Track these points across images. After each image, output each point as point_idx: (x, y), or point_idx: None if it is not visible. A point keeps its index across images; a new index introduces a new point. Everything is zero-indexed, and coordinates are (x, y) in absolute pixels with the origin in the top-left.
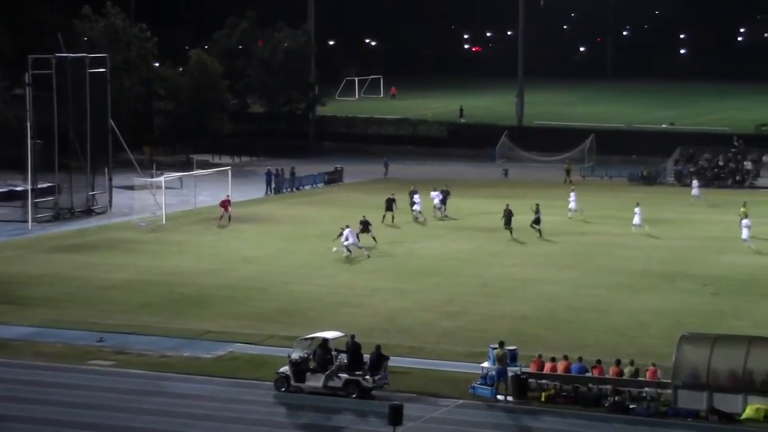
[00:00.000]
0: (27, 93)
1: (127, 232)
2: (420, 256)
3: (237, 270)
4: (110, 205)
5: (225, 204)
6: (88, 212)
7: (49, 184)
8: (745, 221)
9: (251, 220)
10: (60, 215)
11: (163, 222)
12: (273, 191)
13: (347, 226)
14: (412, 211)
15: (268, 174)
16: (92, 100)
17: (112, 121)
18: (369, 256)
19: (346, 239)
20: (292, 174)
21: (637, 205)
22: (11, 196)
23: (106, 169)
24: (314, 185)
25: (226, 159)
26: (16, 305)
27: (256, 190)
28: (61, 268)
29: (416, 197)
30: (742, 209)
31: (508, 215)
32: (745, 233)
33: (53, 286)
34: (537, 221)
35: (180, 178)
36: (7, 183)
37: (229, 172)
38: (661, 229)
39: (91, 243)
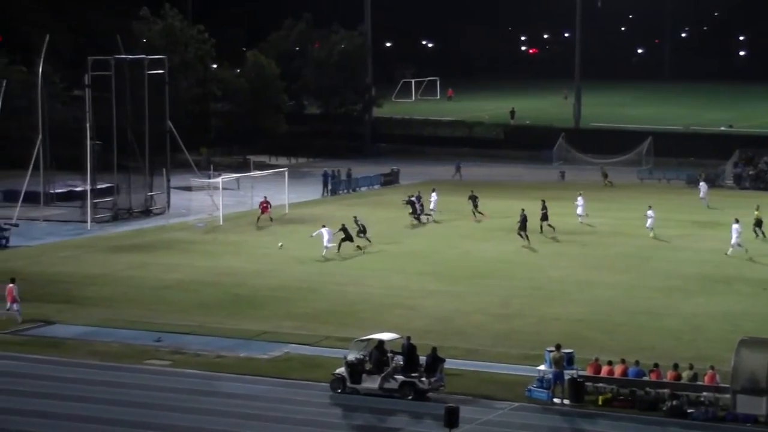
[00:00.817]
0: (86, 94)
1: (184, 232)
2: (473, 258)
3: (290, 271)
4: (168, 206)
5: (263, 206)
6: (146, 213)
7: (108, 185)
8: (735, 226)
9: (307, 221)
10: (118, 215)
11: (220, 223)
12: (329, 192)
13: (323, 226)
14: (421, 215)
15: (325, 175)
16: (150, 102)
17: (170, 122)
18: (325, 258)
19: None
20: (349, 175)
21: (650, 207)
22: (70, 197)
23: (164, 170)
24: (370, 187)
25: (282, 160)
26: (72, 304)
27: (312, 191)
28: (118, 268)
29: (433, 195)
30: (756, 213)
31: (523, 221)
32: (734, 238)
33: (110, 285)
34: (544, 217)
35: (237, 179)
36: (66, 183)
37: (286, 173)
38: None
39: (148, 243)
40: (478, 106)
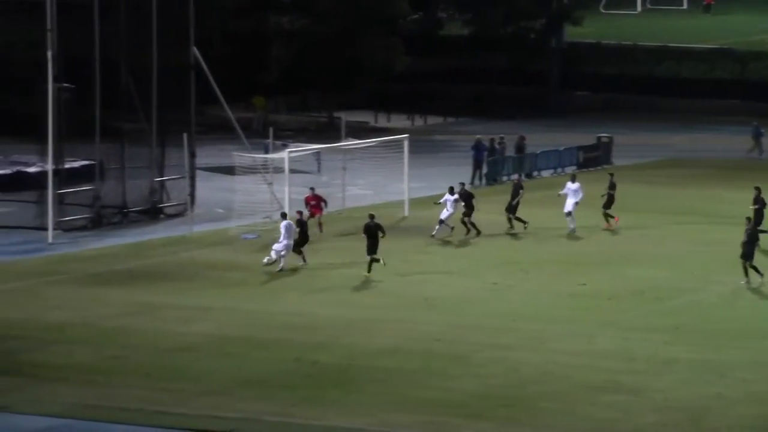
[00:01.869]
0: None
1: (221, 249)
2: (749, 305)
3: (413, 321)
4: (192, 202)
5: (312, 204)
6: (153, 213)
7: (85, 163)
8: None
9: (442, 231)
10: (103, 218)
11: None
12: (485, 178)
13: (283, 216)
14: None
15: (477, 149)
16: (161, 14)
17: (196, 51)
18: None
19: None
20: (520, 148)
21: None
22: (20, 184)
23: (184, 138)
24: (559, 169)
25: (398, 120)
26: (24, 378)
27: (453, 175)
28: (104, 313)
29: (448, 199)
30: None
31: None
32: None
33: (89, 344)
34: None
35: (316, 155)
36: (11, 160)
37: (405, 144)
38: None
39: (156, 269)
40: (752, 24)
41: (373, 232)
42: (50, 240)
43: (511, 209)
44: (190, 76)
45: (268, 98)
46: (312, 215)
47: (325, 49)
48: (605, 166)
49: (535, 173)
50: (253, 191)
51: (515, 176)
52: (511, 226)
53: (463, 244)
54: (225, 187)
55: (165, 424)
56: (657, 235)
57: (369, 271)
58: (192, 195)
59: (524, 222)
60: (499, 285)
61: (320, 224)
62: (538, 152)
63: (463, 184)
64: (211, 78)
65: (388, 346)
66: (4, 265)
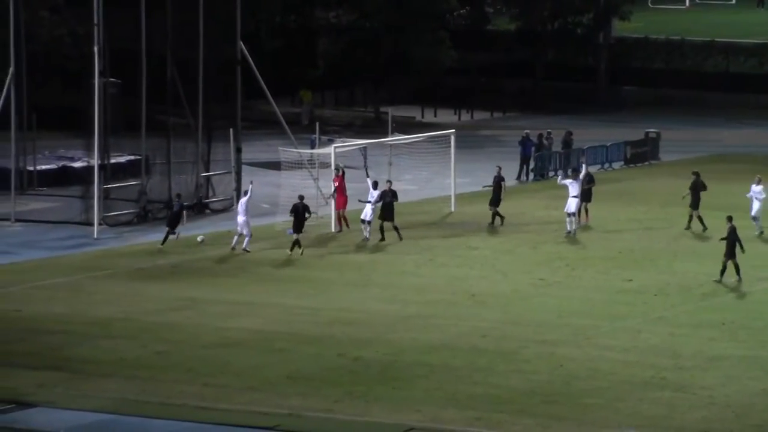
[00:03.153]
0: None
1: (265, 245)
2: None
3: (459, 317)
4: (237, 197)
5: (337, 186)
6: (199, 208)
7: (130, 158)
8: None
9: (489, 227)
10: (148, 214)
11: (332, 229)
12: (532, 174)
13: (246, 193)
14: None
15: (525, 144)
16: (207, 10)
17: (242, 45)
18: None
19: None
20: (567, 144)
21: (759, 181)
22: (65, 179)
23: (230, 133)
24: (606, 165)
25: (444, 116)
26: (67, 373)
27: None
28: (148, 308)
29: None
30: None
31: None
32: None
33: (133, 339)
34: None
35: (362, 150)
36: (56, 155)
37: (452, 139)
38: None
39: (201, 264)
40: None
41: (300, 213)
42: (96, 235)
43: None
44: (236, 71)
45: (315, 93)
46: (336, 206)
47: (372, 43)
48: (653, 162)
49: (582, 168)
50: (296, 185)
51: (496, 168)
52: (493, 222)
53: (509, 240)
54: (271, 182)
55: (208, 420)
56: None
57: (291, 250)
58: (238, 190)
59: (502, 217)
60: (546, 281)
61: (343, 219)
62: (585, 147)
63: (499, 168)
64: (257, 73)
65: (434, 343)
66: (49, 260)
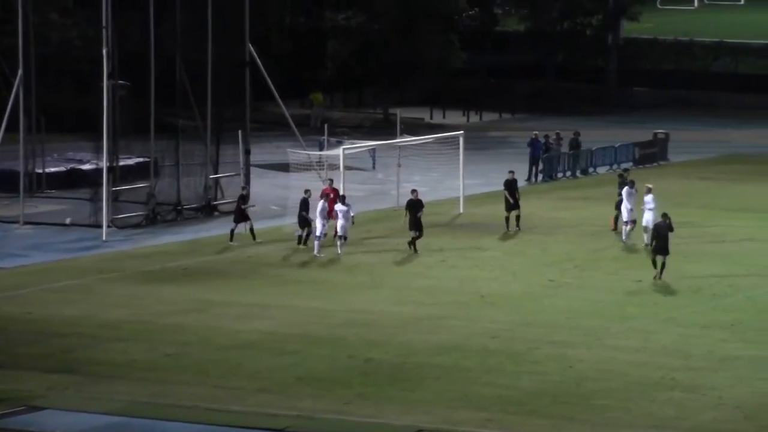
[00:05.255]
0: None
1: (275, 247)
2: None
3: (469, 318)
4: (247, 199)
5: (331, 198)
6: (208, 210)
7: (140, 160)
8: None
9: (498, 229)
10: (158, 216)
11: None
12: (541, 175)
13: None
14: None
15: (533, 145)
16: (216, 12)
17: (251, 48)
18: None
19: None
20: (575, 144)
21: (648, 191)
22: (74, 181)
23: (239, 135)
24: (615, 165)
25: (453, 117)
26: (78, 375)
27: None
28: (159, 310)
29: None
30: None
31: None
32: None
33: (144, 341)
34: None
35: (371, 151)
36: (65, 157)
37: (461, 140)
38: None
39: (211, 266)
40: None
41: (307, 208)
42: (104, 237)
43: (417, 225)
44: (245, 73)
45: (325, 95)
46: (330, 216)
47: (381, 45)
48: (661, 163)
49: (591, 170)
50: (306, 188)
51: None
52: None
53: (519, 241)
54: (280, 183)
55: (219, 422)
56: (714, 232)
57: (299, 244)
58: (247, 192)
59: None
60: (556, 282)
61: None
62: (594, 148)
63: (512, 172)
64: (266, 75)
65: (445, 344)
66: (59, 263)
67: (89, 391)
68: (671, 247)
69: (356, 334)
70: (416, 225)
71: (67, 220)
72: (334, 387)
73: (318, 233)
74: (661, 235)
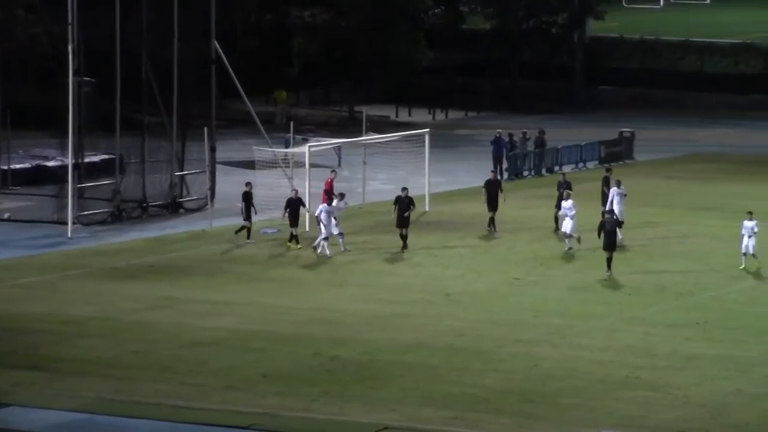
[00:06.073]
0: None
1: (242, 245)
2: (761, 302)
3: (435, 316)
4: (212, 197)
5: (327, 191)
6: (173, 208)
7: (105, 157)
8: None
9: (463, 227)
10: (123, 213)
11: (307, 228)
12: (507, 173)
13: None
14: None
15: (497, 143)
16: (182, 8)
17: (217, 45)
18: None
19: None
20: (540, 143)
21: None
22: (39, 178)
23: (204, 132)
24: (580, 164)
25: (419, 115)
26: (44, 372)
27: (473, 171)
28: (123, 307)
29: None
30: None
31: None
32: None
33: (108, 338)
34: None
35: (337, 149)
36: (30, 154)
37: (427, 138)
38: None
39: (176, 263)
40: None
41: (295, 207)
42: (70, 234)
43: (403, 222)
44: (211, 70)
45: (290, 92)
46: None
47: (347, 43)
48: (627, 161)
49: (556, 168)
50: (272, 185)
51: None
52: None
53: (484, 239)
54: (245, 181)
55: (185, 419)
56: (679, 231)
57: (290, 242)
58: (212, 189)
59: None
60: (521, 281)
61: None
62: (560, 147)
63: (494, 171)
64: (231, 72)
65: (410, 342)
66: (24, 260)
67: (54, 388)
68: (639, 245)
69: (322, 332)
70: (402, 222)
71: (5, 215)
72: (300, 384)
73: (324, 235)
74: (607, 231)
